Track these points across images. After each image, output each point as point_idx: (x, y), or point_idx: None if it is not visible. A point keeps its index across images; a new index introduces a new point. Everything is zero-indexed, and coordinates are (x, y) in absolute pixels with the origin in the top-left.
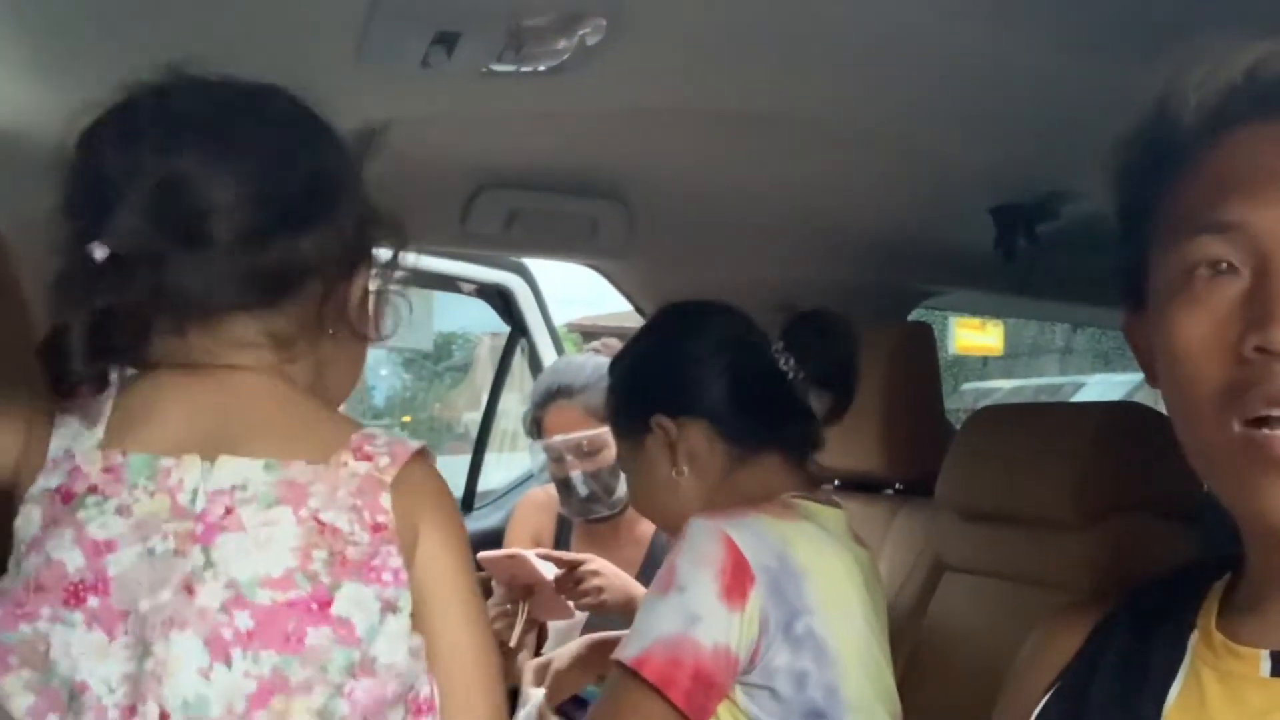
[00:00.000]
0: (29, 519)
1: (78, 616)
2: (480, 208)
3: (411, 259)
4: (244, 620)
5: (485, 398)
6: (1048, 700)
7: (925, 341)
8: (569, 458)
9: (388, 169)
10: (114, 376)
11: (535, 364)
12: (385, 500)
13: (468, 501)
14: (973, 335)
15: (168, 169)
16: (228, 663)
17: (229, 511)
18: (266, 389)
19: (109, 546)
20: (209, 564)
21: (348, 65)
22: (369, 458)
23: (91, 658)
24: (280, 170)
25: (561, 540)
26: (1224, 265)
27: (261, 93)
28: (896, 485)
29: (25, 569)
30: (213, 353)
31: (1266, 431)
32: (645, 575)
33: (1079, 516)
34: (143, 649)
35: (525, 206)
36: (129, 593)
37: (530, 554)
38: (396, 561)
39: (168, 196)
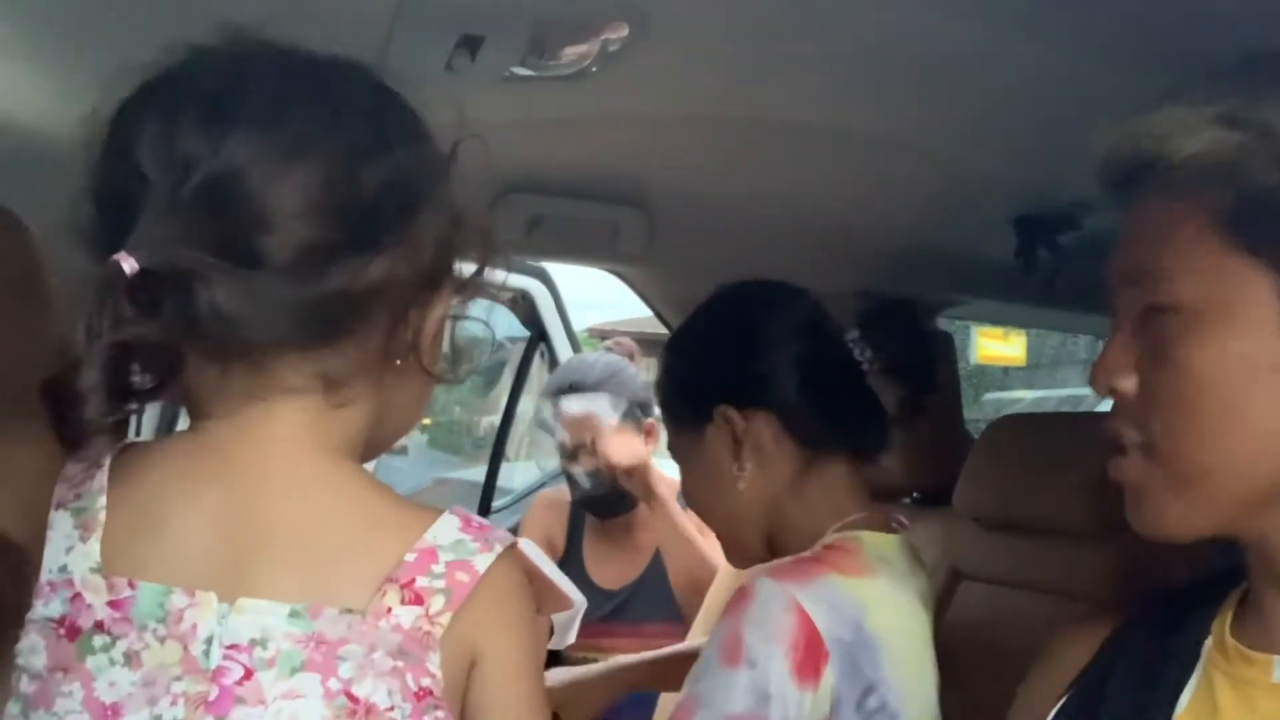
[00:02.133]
0: (34, 648)
1: None
2: (502, 213)
3: None
4: None
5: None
6: (1060, 707)
7: (945, 350)
8: (581, 455)
9: None
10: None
11: (555, 368)
12: (434, 662)
13: (485, 503)
14: (995, 345)
15: (217, 163)
16: None
17: (247, 675)
18: (306, 474)
19: (115, 711)
20: None
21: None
22: (420, 599)
23: None
24: (355, 172)
25: (574, 538)
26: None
27: (341, 69)
28: (914, 494)
29: None
30: (251, 396)
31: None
32: (652, 571)
33: (1097, 526)
34: None
35: (547, 212)
36: None
37: (521, 542)
38: None
39: (215, 199)
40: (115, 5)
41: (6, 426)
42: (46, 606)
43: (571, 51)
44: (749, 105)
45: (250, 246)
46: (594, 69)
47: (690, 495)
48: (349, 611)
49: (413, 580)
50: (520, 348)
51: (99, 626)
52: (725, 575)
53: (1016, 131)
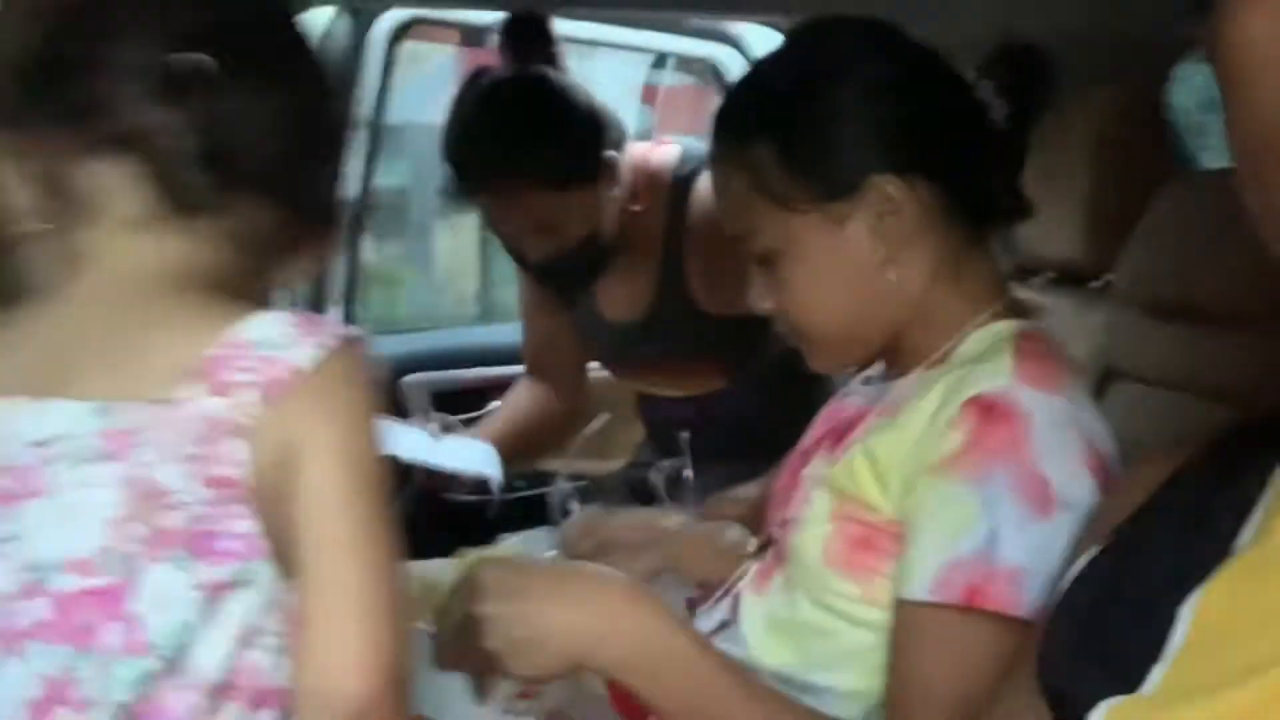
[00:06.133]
0: None
1: None
2: None
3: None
4: (41, 609)
5: None
6: (1098, 553)
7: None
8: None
9: None
10: None
11: None
12: (239, 449)
13: None
14: None
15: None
16: (21, 656)
17: (43, 467)
18: (152, 283)
19: None
20: (13, 536)
21: None
22: (225, 390)
23: None
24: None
25: None
26: None
27: None
28: (1050, 273)
29: None
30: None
31: None
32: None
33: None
34: None
35: None
36: None
37: None
38: (245, 525)
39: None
40: None
41: None
42: None
43: None
44: None
45: None
46: None
47: (802, 303)
48: (157, 401)
49: (218, 373)
50: None
51: None
52: None
53: None
